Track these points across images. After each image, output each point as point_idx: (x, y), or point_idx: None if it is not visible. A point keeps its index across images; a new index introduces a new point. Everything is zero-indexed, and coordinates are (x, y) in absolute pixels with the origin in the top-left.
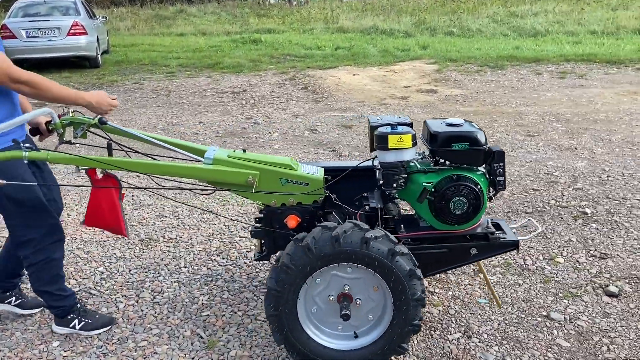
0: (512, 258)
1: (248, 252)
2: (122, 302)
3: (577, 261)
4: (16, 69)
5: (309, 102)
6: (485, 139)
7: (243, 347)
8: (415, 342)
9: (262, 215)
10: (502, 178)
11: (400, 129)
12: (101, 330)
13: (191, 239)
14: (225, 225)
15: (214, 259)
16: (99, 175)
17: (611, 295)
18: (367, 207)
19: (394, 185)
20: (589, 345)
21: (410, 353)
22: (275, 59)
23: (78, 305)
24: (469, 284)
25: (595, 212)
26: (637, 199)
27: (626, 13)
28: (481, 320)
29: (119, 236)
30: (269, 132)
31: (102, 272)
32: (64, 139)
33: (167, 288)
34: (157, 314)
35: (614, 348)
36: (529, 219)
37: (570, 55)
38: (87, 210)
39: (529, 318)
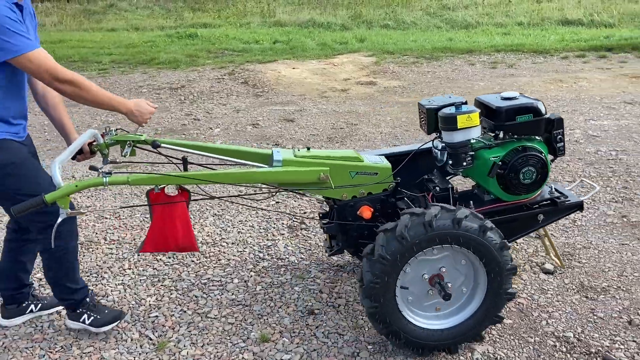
0: None
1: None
2: (63, 309)
3: (516, 242)
4: (60, 67)
5: (250, 96)
6: (545, 108)
7: (195, 346)
8: (367, 329)
9: (328, 210)
10: (562, 144)
11: (465, 108)
12: (111, 325)
13: (134, 239)
14: None
15: (160, 259)
16: (172, 192)
17: (547, 272)
18: (437, 188)
19: (463, 164)
20: (530, 320)
21: (362, 339)
22: (212, 53)
23: (87, 299)
24: None
25: None
26: (567, 181)
27: (550, 5)
28: None
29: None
30: (210, 128)
31: (41, 279)
32: (109, 158)
33: (111, 291)
34: None
35: (552, 322)
36: (582, 179)
37: (500, 46)
38: (151, 235)
39: None
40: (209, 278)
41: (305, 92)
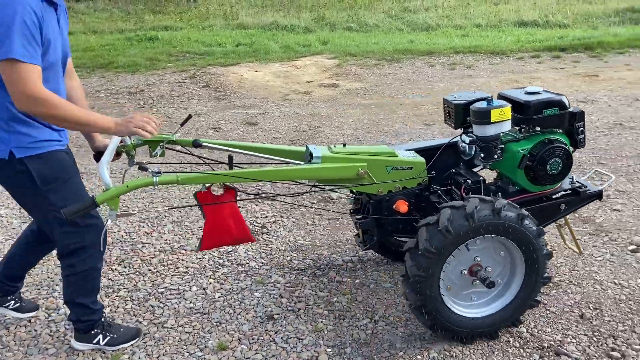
0: None
1: (152, 258)
2: (12, 323)
3: None
4: (38, 86)
5: (211, 100)
6: (569, 102)
7: (150, 358)
8: (326, 332)
9: (358, 206)
10: (583, 136)
11: (496, 102)
12: (129, 344)
13: None
14: (126, 233)
15: (115, 269)
16: (219, 191)
17: None
18: (468, 181)
19: (494, 156)
20: None
21: (322, 343)
22: (173, 56)
23: (102, 319)
24: (375, 270)
25: None
26: None
27: (506, 7)
28: (387, 304)
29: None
30: (170, 133)
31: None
32: (135, 160)
33: (63, 304)
34: (53, 333)
35: None
36: (596, 170)
37: (459, 48)
38: (206, 234)
39: None
40: (166, 287)
41: (268, 94)
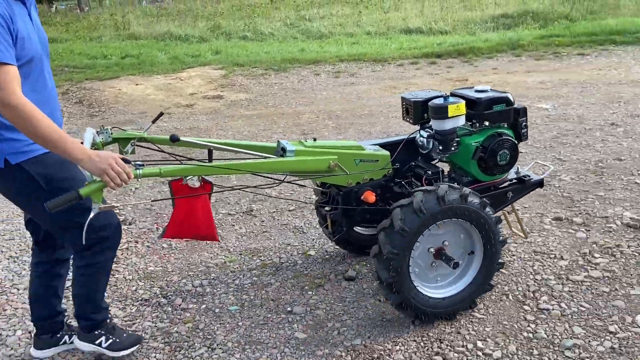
0: (269, 258)
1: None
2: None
3: (326, 251)
4: (8, 91)
5: (83, 117)
6: (514, 99)
7: None
8: None
9: (325, 198)
10: (526, 130)
11: (451, 99)
12: (130, 350)
13: None
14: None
15: None
16: (195, 184)
17: (349, 279)
18: (428, 172)
19: (451, 149)
20: (323, 332)
21: None
22: None
23: (108, 321)
24: (224, 293)
25: None
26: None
27: (396, 14)
28: (229, 329)
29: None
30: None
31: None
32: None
33: None
34: None
35: (344, 330)
36: (536, 161)
37: (344, 56)
38: (173, 223)
39: (275, 316)
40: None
41: (146, 109)
